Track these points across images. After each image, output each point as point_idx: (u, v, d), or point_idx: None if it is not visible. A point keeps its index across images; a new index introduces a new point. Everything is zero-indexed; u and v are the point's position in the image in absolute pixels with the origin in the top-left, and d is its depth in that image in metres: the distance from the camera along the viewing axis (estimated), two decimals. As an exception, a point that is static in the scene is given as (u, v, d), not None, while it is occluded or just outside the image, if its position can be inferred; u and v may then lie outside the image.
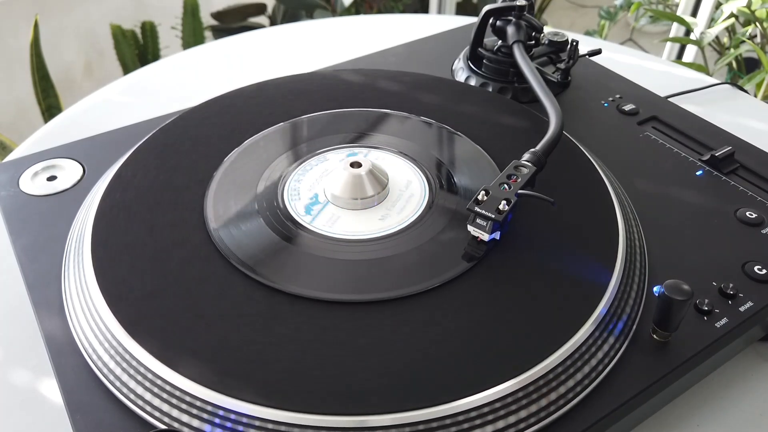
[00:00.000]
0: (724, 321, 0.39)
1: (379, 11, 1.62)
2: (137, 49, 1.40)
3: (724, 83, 0.70)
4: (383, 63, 0.64)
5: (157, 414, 0.32)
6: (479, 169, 0.46)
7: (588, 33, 1.55)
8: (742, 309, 0.39)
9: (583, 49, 0.60)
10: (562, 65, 0.59)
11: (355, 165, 0.44)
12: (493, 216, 0.38)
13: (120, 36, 1.35)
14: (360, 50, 0.68)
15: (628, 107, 0.57)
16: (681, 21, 1.05)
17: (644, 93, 0.60)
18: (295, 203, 0.43)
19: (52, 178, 0.48)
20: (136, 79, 0.72)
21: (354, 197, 0.43)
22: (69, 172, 0.49)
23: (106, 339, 0.35)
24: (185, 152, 0.47)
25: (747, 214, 0.46)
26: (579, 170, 0.46)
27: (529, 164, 0.42)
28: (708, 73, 0.92)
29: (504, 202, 0.39)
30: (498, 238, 0.39)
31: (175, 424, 0.32)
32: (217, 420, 0.31)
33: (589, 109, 0.57)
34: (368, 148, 0.48)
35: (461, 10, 1.72)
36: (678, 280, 0.35)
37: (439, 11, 1.66)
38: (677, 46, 1.37)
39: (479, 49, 0.61)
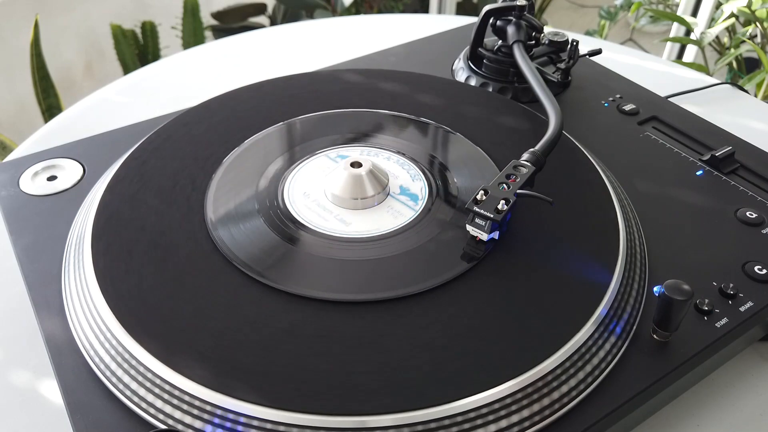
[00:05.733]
0: (724, 321, 0.39)
1: (379, 11, 1.62)
2: (137, 49, 1.40)
3: (724, 83, 0.70)
4: (383, 63, 0.64)
5: (156, 414, 0.32)
6: (479, 169, 0.46)
7: (588, 33, 1.55)
8: (742, 309, 0.39)
9: (583, 49, 0.60)
10: (562, 65, 0.59)
11: (356, 165, 0.44)
12: (491, 216, 0.38)
13: (120, 36, 1.35)
14: (360, 50, 0.68)
15: (628, 107, 0.57)
16: (681, 21, 1.05)
17: (644, 93, 0.60)
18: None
19: (52, 178, 0.48)
20: (136, 79, 0.72)
21: (354, 197, 0.43)
22: (69, 172, 0.49)
23: (106, 339, 0.35)
24: (185, 152, 0.47)
25: (747, 214, 0.46)
26: (579, 170, 0.46)
27: (528, 164, 0.42)
28: (708, 73, 0.92)
29: (503, 201, 0.39)
30: (497, 237, 0.39)
31: (174, 424, 0.32)
32: (217, 420, 0.31)
33: (589, 109, 0.57)
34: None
35: (461, 10, 1.72)
36: (678, 280, 0.35)
37: (439, 11, 1.66)
38: (677, 46, 1.37)
39: (479, 49, 0.61)
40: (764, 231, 0.45)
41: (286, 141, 0.49)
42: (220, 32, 1.54)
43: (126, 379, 0.34)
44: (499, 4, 0.59)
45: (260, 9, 1.62)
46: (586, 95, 0.59)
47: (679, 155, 0.52)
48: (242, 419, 0.31)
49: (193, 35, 1.41)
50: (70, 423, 0.33)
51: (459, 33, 0.70)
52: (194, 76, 0.72)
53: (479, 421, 0.32)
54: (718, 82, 0.70)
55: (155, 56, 1.42)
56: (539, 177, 0.42)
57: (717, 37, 1.11)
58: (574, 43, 0.58)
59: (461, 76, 0.61)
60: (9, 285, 0.45)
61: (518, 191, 0.40)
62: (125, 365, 0.34)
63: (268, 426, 0.31)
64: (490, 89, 0.59)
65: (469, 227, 0.39)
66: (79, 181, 0.48)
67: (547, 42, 0.61)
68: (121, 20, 1.41)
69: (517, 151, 0.43)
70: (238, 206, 0.43)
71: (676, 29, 1.35)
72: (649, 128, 0.55)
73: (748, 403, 0.40)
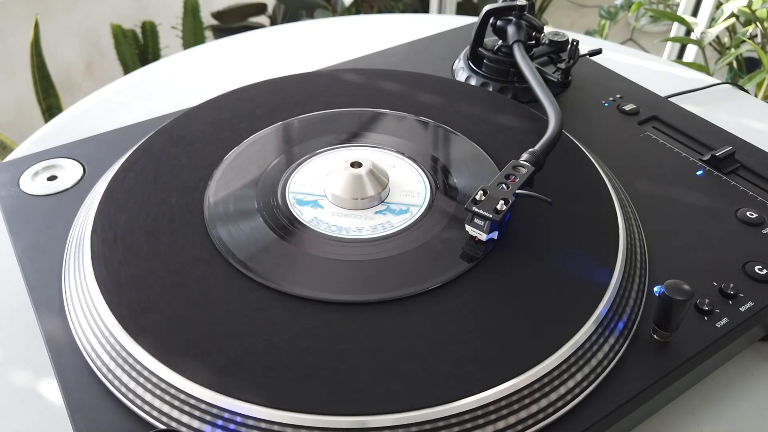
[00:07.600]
0: (724, 321, 0.39)
1: (379, 11, 1.62)
2: (137, 48, 1.40)
3: (724, 83, 0.70)
4: (383, 63, 0.64)
5: (156, 414, 0.32)
6: (479, 169, 0.46)
7: (588, 33, 1.55)
8: (742, 309, 0.39)
9: (583, 49, 0.60)
10: (562, 65, 0.59)
11: (356, 165, 0.44)
12: (490, 216, 0.38)
13: (120, 36, 1.35)
14: (360, 50, 0.68)
15: (628, 107, 0.57)
16: (681, 21, 1.05)
17: (645, 93, 0.60)
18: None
19: (52, 178, 0.48)
20: (136, 79, 0.72)
21: (354, 197, 0.43)
22: (69, 172, 0.49)
23: (106, 339, 0.35)
24: (185, 152, 0.47)
25: (747, 214, 0.46)
26: (579, 170, 0.46)
27: (527, 164, 0.42)
28: (708, 73, 0.92)
29: (502, 201, 0.39)
30: (496, 238, 0.39)
31: (174, 424, 0.32)
32: (216, 420, 0.31)
33: (589, 109, 0.57)
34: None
35: (461, 10, 1.72)
36: (678, 280, 0.35)
37: (439, 11, 1.66)
38: (678, 45, 1.37)
39: (479, 48, 0.61)
40: (764, 231, 0.45)
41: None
42: (220, 32, 1.54)
43: (125, 379, 0.34)
44: (499, 4, 0.59)
45: (260, 9, 1.62)
46: (586, 95, 0.59)
47: (679, 155, 0.52)
48: (241, 419, 0.31)
49: (193, 35, 1.41)
50: (70, 423, 0.33)
51: (459, 33, 0.70)
52: (194, 76, 0.72)
53: (481, 421, 0.32)
54: (719, 82, 0.70)
55: (155, 56, 1.42)
56: (539, 177, 0.42)
57: (717, 36, 1.11)
58: (575, 43, 0.58)
59: (461, 75, 0.61)
60: (9, 285, 0.45)
61: (517, 191, 0.40)
62: (125, 365, 0.34)
63: (267, 426, 0.31)
64: (491, 89, 0.59)
65: (468, 227, 0.39)
66: (79, 181, 0.48)
67: (547, 42, 0.61)
68: (121, 20, 1.41)
69: (516, 151, 0.43)
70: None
71: (676, 29, 1.35)
72: (650, 128, 0.55)
73: (748, 403, 0.40)
